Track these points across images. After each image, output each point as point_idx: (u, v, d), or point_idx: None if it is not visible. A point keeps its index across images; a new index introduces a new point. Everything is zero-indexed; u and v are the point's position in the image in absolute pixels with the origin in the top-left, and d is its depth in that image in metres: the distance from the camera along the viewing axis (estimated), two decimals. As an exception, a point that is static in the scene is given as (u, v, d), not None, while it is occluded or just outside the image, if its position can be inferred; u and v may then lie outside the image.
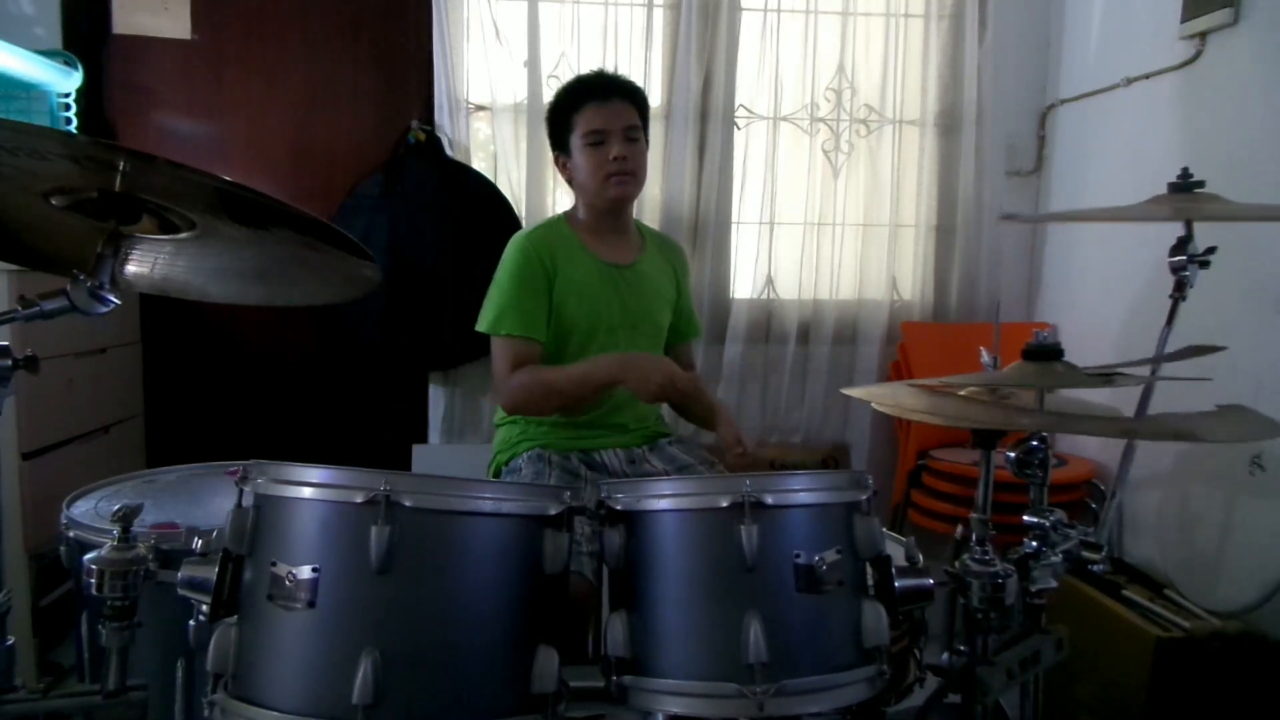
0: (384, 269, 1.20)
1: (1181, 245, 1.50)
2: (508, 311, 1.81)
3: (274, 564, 0.92)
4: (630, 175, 1.84)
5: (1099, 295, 2.68)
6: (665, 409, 2.09)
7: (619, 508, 1.05)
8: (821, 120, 2.84)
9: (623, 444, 1.91)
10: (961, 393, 1.28)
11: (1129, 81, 2.53)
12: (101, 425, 2.40)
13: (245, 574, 0.96)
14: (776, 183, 2.83)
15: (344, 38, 2.75)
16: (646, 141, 1.90)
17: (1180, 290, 1.51)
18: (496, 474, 1.92)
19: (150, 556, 1.01)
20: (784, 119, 2.82)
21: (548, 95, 2.67)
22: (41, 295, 1.07)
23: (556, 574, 0.99)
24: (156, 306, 2.61)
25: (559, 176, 1.98)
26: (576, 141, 1.84)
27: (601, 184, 1.83)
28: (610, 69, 2.65)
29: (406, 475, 0.92)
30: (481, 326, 1.86)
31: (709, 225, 2.76)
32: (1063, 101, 2.86)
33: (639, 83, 1.96)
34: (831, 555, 0.99)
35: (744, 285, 2.89)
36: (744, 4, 2.76)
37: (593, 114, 1.82)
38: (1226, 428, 1.15)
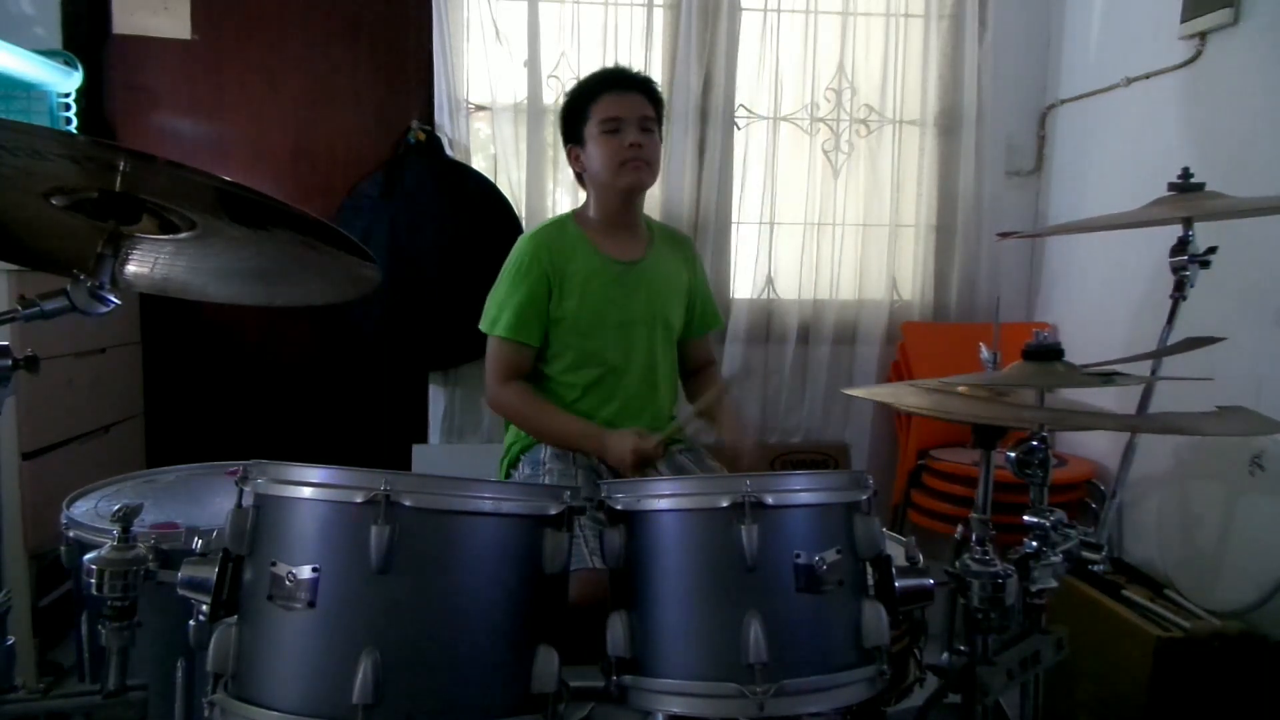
0: (384, 269, 1.20)
1: (1182, 245, 1.50)
2: (503, 313, 1.84)
3: (274, 564, 0.92)
4: (645, 163, 1.83)
5: (1099, 295, 2.68)
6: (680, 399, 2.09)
7: (619, 508, 1.05)
8: (821, 120, 2.84)
9: None
10: (962, 390, 1.28)
11: (1129, 81, 2.53)
12: (101, 425, 2.40)
13: (245, 574, 0.96)
14: (776, 183, 2.83)
15: (344, 38, 2.75)
16: (660, 137, 1.89)
17: (1181, 290, 1.51)
18: (515, 460, 1.92)
19: (150, 556, 1.01)
20: (784, 119, 2.82)
21: (548, 95, 2.68)
22: (41, 295, 1.06)
23: (556, 574, 0.99)
24: (156, 306, 2.62)
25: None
26: (592, 130, 1.83)
27: (616, 171, 1.81)
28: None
29: (406, 475, 0.92)
30: (481, 325, 1.89)
31: (709, 225, 2.76)
32: (1063, 101, 2.86)
33: None
34: (831, 555, 0.99)
35: (744, 285, 2.89)
36: (744, 4, 2.76)
37: (610, 103, 1.82)
38: (1227, 425, 1.15)
